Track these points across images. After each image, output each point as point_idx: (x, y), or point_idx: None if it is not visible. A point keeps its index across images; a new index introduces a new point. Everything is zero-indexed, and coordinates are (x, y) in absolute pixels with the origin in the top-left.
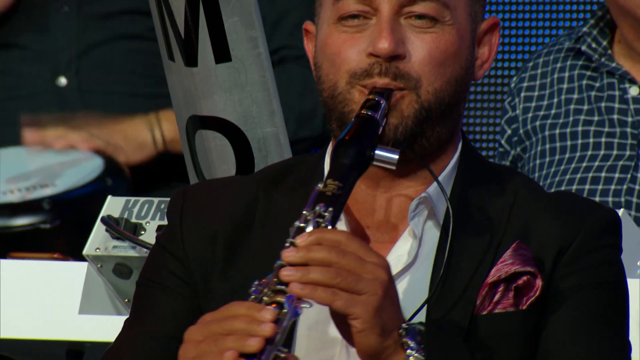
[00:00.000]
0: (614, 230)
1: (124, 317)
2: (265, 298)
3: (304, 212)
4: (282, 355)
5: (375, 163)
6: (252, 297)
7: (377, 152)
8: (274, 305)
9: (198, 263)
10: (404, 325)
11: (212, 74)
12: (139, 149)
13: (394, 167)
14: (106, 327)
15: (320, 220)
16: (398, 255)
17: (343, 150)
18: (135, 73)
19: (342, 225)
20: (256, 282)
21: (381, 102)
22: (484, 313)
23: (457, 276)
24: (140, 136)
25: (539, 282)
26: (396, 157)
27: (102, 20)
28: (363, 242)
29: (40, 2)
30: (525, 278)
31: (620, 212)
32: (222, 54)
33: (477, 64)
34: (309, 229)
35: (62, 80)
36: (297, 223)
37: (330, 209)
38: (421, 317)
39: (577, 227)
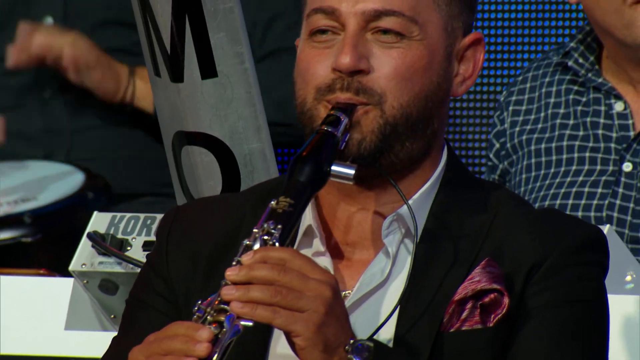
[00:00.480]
0: (596, 248)
1: (110, 333)
2: (208, 317)
3: (254, 229)
4: None
5: (332, 178)
6: (195, 316)
7: (333, 167)
8: (214, 324)
9: (180, 283)
10: (350, 341)
11: (198, 90)
12: (111, 79)
13: (351, 182)
14: (92, 343)
15: (268, 238)
16: (372, 273)
17: (299, 166)
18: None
19: (318, 242)
20: (199, 302)
21: (342, 117)
22: (451, 330)
23: (425, 293)
24: (116, 71)
25: (506, 300)
26: (352, 172)
27: (87, 34)
28: (309, 259)
29: (24, 15)
30: (492, 296)
31: (606, 228)
32: (208, 69)
33: (458, 80)
34: (256, 246)
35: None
36: (245, 241)
37: (279, 226)
38: (390, 334)
39: (553, 244)
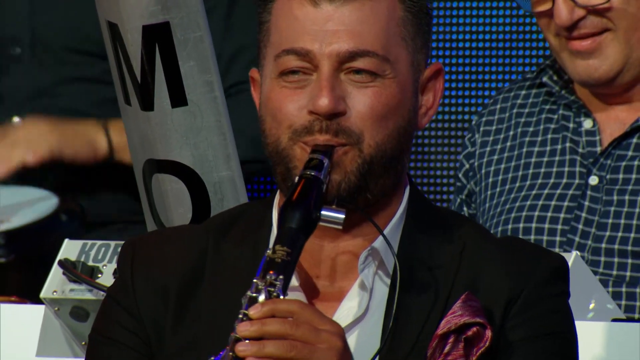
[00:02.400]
0: (561, 277)
1: None
2: None
3: (255, 280)
4: None
5: (322, 223)
6: None
7: (323, 212)
8: None
9: (150, 318)
10: None
11: (168, 118)
12: (85, 146)
13: (340, 227)
14: None
15: (272, 289)
16: (349, 307)
17: (290, 213)
18: (85, 113)
19: (293, 278)
20: (212, 358)
21: (324, 160)
22: None
23: (407, 328)
24: (89, 135)
25: (488, 333)
26: (342, 216)
27: (57, 63)
28: (316, 310)
29: None
30: (475, 329)
31: (573, 256)
32: (178, 98)
33: (422, 112)
34: (261, 298)
35: (16, 119)
36: (249, 293)
37: (281, 276)
38: None
39: (525, 278)
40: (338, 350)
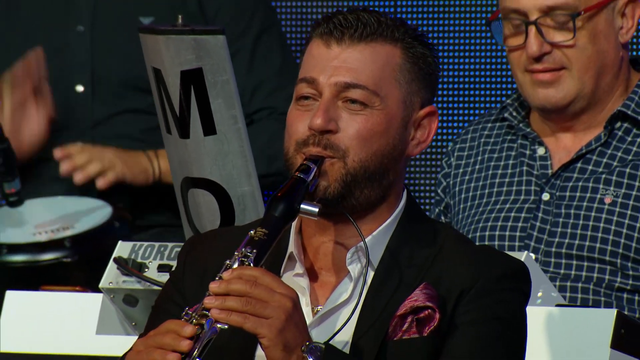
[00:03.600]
0: (517, 278)
1: (131, 337)
2: (193, 320)
3: (235, 252)
4: None
5: (301, 214)
6: (183, 319)
7: (302, 206)
8: (197, 326)
9: (192, 294)
10: (306, 343)
11: (201, 145)
12: (141, 173)
13: (316, 218)
14: (118, 345)
15: (245, 259)
16: (340, 292)
17: (274, 204)
18: (135, 139)
19: (298, 265)
20: (187, 308)
21: (312, 166)
22: (395, 339)
23: (372, 309)
24: (143, 164)
25: (437, 316)
26: (316, 210)
27: (112, 98)
28: (276, 277)
29: (62, 83)
30: (426, 312)
31: (524, 255)
32: (209, 128)
33: (414, 143)
34: (235, 265)
35: (80, 144)
36: (227, 261)
37: (255, 250)
38: (348, 341)
39: (482, 273)
40: (287, 309)
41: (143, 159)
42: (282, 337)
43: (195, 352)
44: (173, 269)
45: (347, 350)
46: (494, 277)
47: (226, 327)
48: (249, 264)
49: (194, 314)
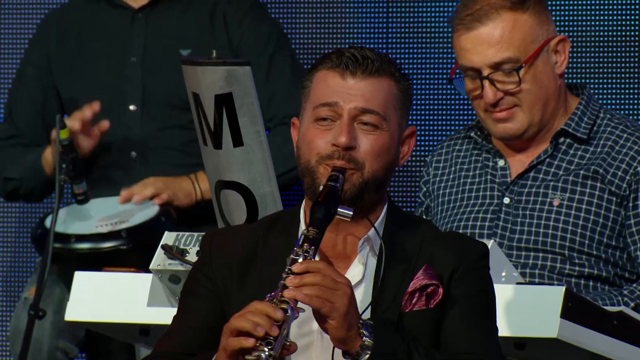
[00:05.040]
0: (485, 256)
1: (174, 309)
2: (275, 302)
3: (295, 248)
4: (287, 343)
5: (338, 216)
6: (266, 299)
7: (339, 209)
8: (281, 309)
9: (220, 281)
10: (360, 321)
11: (231, 154)
12: (186, 197)
13: (349, 219)
14: (164, 315)
15: (307, 254)
16: (352, 275)
17: (318, 208)
18: (177, 149)
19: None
20: (268, 295)
21: (340, 176)
22: (407, 311)
23: (389, 288)
24: (187, 188)
25: (441, 290)
26: (351, 212)
27: (159, 115)
28: (335, 268)
29: (117, 103)
30: (432, 287)
31: (490, 243)
32: (237, 141)
33: (400, 156)
34: (300, 259)
35: (133, 154)
36: (292, 256)
37: (312, 247)
38: (366, 314)
39: (463, 256)
40: (348, 295)
41: (187, 184)
42: (346, 319)
43: (284, 331)
44: (197, 259)
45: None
46: (472, 258)
47: (304, 311)
48: (311, 258)
49: (275, 300)
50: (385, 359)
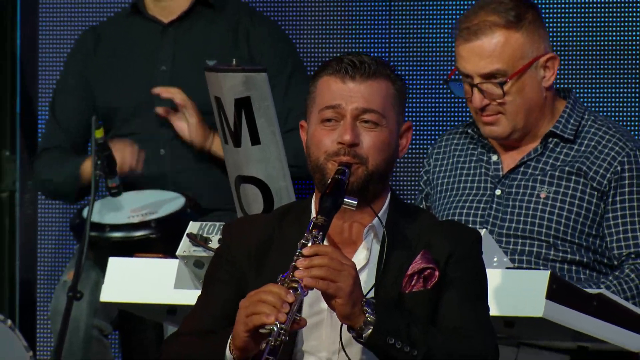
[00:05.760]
0: (478, 243)
1: (199, 291)
2: (287, 285)
3: (306, 234)
4: (297, 318)
5: (344, 205)
6: (278, 281)
7: (345, 199)
8: (292, 289)
9: (240, 266)
10: (363, 299)
11: (249, 152)
12: (201, 136)
13: (354, 208)
14: (189, 296)
15: (316, 239)
16: (358, 260)
17: (326, 199)
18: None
19: (324, 242)
20: (280, 276)
21: (346, 170)
22: (407, 292)
23: (391, 272)
24: (206, 133)
25: (437, 273)
26: (355, 202)
27: None
28: (341, 252)
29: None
30: (429, 271)
31: (483, 232)
32: (255, 140)
33: (400, 149)
34: (310, 244)
35: (162, 151)
36: (303, 241)
37: (321, 232)
38: (370, 295)
39: (458, 242)
40: (353, 276)
41: (208, 132)
42: (351, 297)
43: (295, 307)
44: (219, 246)
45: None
46: (467, 244)
47: (312, 289)
48: (319, 242)
49: (286, 281)
50: (385, 332)
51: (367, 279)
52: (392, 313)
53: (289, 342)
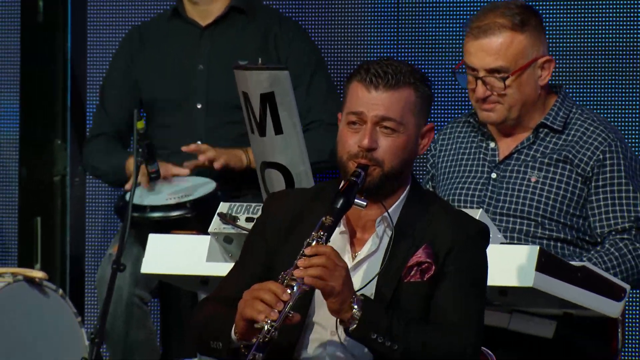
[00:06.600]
0: (483, 237)
1: (228, 263)
2: (286, 281)
3: (313, 233)
4: (290, 315)
5: (354, 205)
6: (279, 280)
7: (355, 200)
8: (288, 288)
9: (271, 239)
10: (354, 296)
11: (273, 141)
12: (238, 161)
13: (364, 208)
14: (220, 269)
15: (320, 239)
16: (369, 247)
17: (337, 199)
18: (232, 140)
19: (343, 227)
20: (282, 273)
21: (361, 172)
22: (405, 281)
23: (396, 261)
24: (239, 156)
25: (433, 268)
26: (365, 203)
27: (220, 112)
28: (337, 253)
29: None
30: (426, 264)
31: (480, 211)
32: (278, 130)
33: (420, 147)
34: (314, 244)
35: (198, 142)
36: (308, 240)
37: (326, 233)
38: (374, 283)
39: (459, 236)
40: (343, 277)
41: (240, 153)
42: (340, 296)
43: (289, 305)
44: (257, 218)
45: (374, 285)
46: (471, 236)
47: (308, 288)
48: (323, 242)
49: (287, 278)
50: (369, 327)
51: (374, 265)
52: (377, 310)
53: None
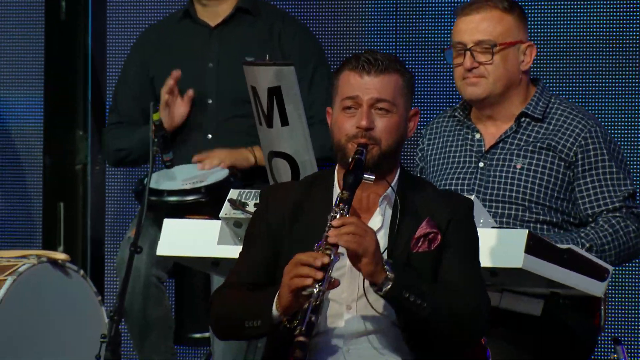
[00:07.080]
0: (471, 209)
1: (237, 246)
2: (321, 249)
3: (334, 207)
4: (332, 280)
5: (364, 180)
6: (315, 249)
7: (364, 175)
8: (326, 255)
9: (276, 226)
10: (383, 260)
11: (280, 131)
12: (245, 161)
13: (372, 182)
14: (230, 251)
15: (342, 212)
16: (373, 223)
17: (348, 175)
18: (242, 132)
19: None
20: (316, 244)
21: (363, 150)
22: (414, 252)
23: (401, 235)
24: (246, 156)
25: (439, 237)
26: (373, 177)
27: (229, 106)
28: (363, 222)
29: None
30: (432, 234)
31: (472, 196)
32: (284, 122)
33: (408, 130)
34: (337, 216)
35: (209, 136)
36: (332, 214)
37: (346, 205)
38: (385, 255)
39: (455, 209)
40: (375, 239)
41: (246, 153)
42: (375, 257)
43: (330, 270)
44: (257, 208)
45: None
46: (462, 212)
47: (344, 254)
48: (345, 214)
49: (321, 248)
50: (402, 287)
51: (381, 241)
52: (406, 272)
53: None
